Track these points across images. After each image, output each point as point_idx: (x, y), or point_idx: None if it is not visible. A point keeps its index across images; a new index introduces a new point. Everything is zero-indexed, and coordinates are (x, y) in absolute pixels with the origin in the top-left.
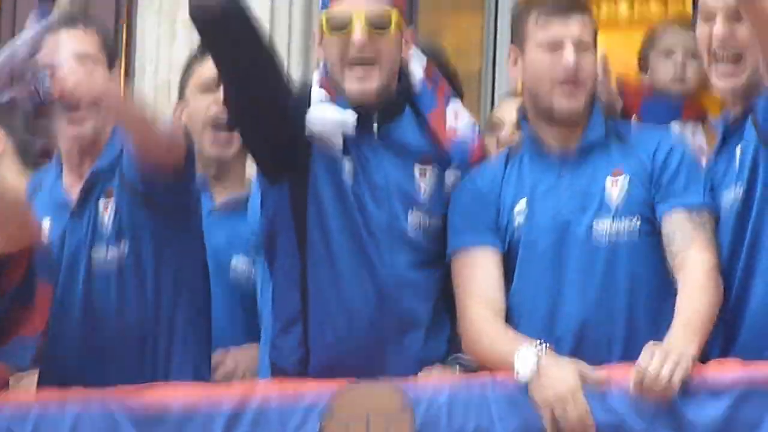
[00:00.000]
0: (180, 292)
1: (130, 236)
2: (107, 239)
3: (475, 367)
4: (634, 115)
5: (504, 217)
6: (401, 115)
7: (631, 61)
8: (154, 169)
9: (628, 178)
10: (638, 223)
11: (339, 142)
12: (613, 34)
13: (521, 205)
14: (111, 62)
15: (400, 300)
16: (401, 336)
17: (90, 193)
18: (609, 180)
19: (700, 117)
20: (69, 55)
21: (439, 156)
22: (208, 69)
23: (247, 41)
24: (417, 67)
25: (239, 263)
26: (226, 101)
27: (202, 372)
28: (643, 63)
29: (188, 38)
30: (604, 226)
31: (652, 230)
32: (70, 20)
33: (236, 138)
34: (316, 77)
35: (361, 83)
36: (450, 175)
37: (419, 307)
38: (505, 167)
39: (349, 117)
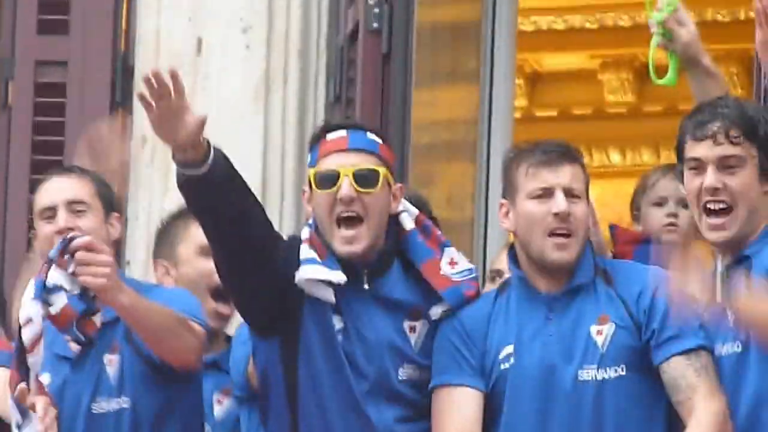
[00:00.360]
0: None
1: (132, 391)
2: (109, 392)
3: None
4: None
5: (489, 359)
6: (390, 269)
7: (623, 211)
8: (168, 360)
9: (613, 327)
10: (623, 371)
11: (331, 298)
12: (605, 184)
13: (508, 350)
14: (109, 209)
15: None
16: None
17: (92, 347)
18: (594, 328)
19: None
20: (61, 201)
21: (429, 308)
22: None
23: (231, 200)
24: (407, 220)
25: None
26: (215, 262)
27: None
28: (636, 211)
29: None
30: (589, 375)
31: (639, 376)
32: (64, 168)
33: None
34: (305, 234)
35: (349, 245)
36: (437, 311)
37: None
38: (493, 306)
39: (339, 277)
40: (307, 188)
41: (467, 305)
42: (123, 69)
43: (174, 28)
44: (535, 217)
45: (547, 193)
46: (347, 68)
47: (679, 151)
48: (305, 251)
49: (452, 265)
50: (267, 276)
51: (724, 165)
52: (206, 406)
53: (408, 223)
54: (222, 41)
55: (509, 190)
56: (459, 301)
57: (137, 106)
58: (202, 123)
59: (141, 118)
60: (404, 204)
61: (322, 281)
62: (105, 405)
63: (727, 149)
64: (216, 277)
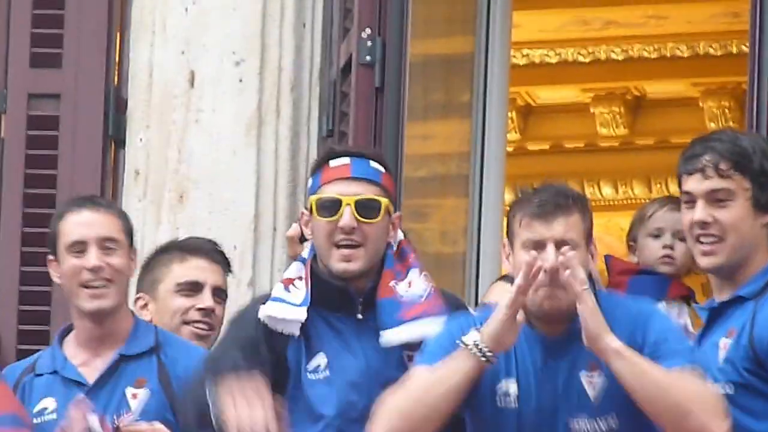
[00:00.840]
0: None
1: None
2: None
3: None
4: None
5: (486, 386)
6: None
7: (614, 244)
8: None
9: (603, 377)
10: (615, 421)
11: (295, 332)
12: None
13: (511, 386)
14: (131, 243)
15: None
16: None
17: (111, 377)
18: (585, 377)
19: (687, 297)
20: (93, 238)
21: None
22: (185, 273)
23: None
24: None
25: None
26: None
27: None
28: (632, 242)
29: (173, 221)
30: (580, 426)
31: (631, 422)
32: (90, 201)
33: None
34: (289, 272)
35: (346, 263)
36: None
37: None
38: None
39: (299, 315)
40: (306, 212)
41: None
42: (116, 102)
43: (166, 61)
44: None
45: (539, 245)
46: (340, 102)
47: (679, 184)
48: (276, 290)
49: (408, 285)
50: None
51: (714, 198)
52: None
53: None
54: (215, 74)
55: (509, 235)
56: (390, 317)
57: (129, 139)
58: None
59: (133, 151)
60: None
61: (283, 322)
62: None
63: (716, 183)
64: (190, 314)
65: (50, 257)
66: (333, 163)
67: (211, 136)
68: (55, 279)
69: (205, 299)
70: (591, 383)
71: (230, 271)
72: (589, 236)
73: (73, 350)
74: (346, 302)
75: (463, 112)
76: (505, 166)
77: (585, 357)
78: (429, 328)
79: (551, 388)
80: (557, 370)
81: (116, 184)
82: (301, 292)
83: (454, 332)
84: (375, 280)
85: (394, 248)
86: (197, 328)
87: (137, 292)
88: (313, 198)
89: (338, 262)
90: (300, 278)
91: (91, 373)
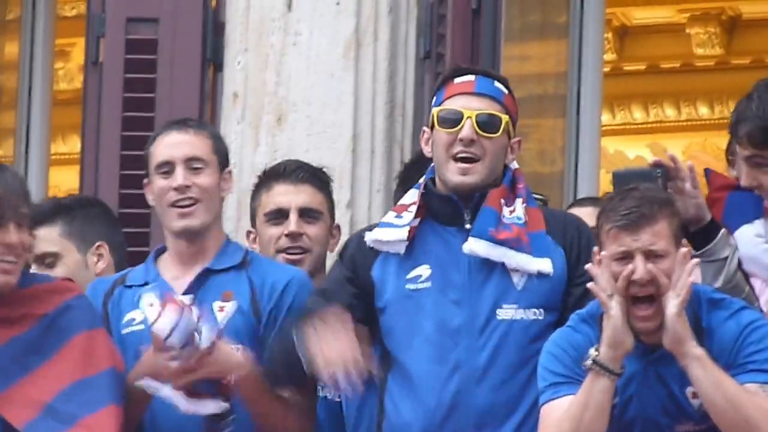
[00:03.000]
0: None
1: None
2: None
3: None
4: (718, 207)
5: None
6: None
7: (710, 162)
8: None
9: None
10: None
11: (400, 250)
12: (693, 137)
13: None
14: (224, 165)
15: (477, 396)
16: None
17: (197, 290)
18: (690, 391)
19: None
20: (180, 158)
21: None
22: (271, 201)
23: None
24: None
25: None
26: None
27: None
28: (731, 156)
29: (271, 144)
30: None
31: None
32: (180, 123)
33: (307, 258)
34: (406, 198)
35: (463, 176)
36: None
37: (498, 402)
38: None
39: (402, 235)
40: (427, 129)
41: (564, 329)
42: (214, 25)
43: None
44: (618, 282)
45: (627, 256)
46: (437, 24)
47: None
48: (387, 217)
49: (511, 212)
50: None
51: None
52: None
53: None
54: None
55: (599, 241)
56: (484, 228)
57: (227, 61)
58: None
59: (231, 74)
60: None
61: (386, 245)
62: None
63: None
64: (281, 242)
65: (145, 180)
66: (458, 79)
67: (309, 59)
68: (150, 201)
69: (291, 224)
70: (696, 396)
71: (326, 185)
72: (679, 237)
73: (165, 266)
74: (456, 215)
75: (559, 33)
76: (602, 87)
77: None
78: (509, 258)
79: (653, 396)
80: (660, 380)
81: (214, 108)
82: (410, 215)
83: (565, 354)
84: (481, 195)
85: (511, 174)
86: (288, 254)
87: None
88: (436, 110)
89: (455, 175)
90: (414, 203)
91: (180, 286)
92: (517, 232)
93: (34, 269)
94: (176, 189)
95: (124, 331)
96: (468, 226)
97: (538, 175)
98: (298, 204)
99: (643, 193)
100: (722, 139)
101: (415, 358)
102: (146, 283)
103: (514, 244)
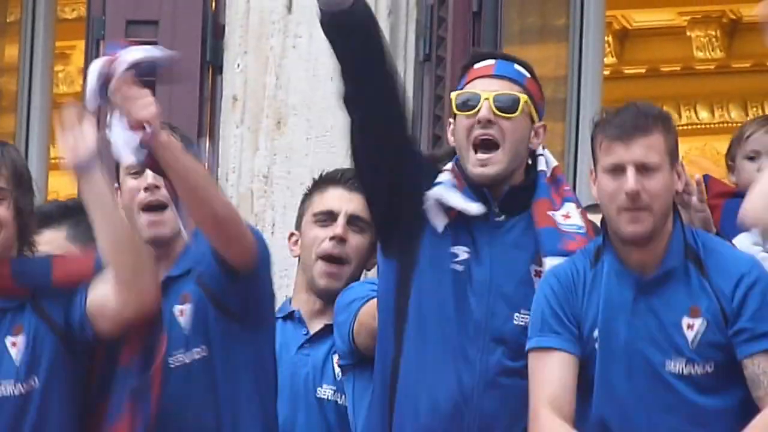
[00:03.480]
0: (250, 399)
1: (204, 340)
2: (183, 343)
3: None
4: (715, 215)
5: (585, 327)
6: (525, 212)
7: (710, 168)
8: (225, 254)
9: (705, 323)
10: (711, 368)
11: (440, 227)
12: (693, 141)
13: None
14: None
15: (483, 401)
16: None
17: (164, 299)
18: (685, 321)
19: None
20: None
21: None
22: (322, 203)
23: (372, 49)
24: (542, 163)
25: (326, 392)
26: (352, 130)
27: None
28: (731, 161)
29: (270, 149)
30: (677, 367)
31: (725, 372)
32: None
33: (344, 272)
34: (448, 166)
35: (483, 167)
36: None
37: (502, 411)
38: (591, 273)
39: (475, 209)
40: (451, 120)
41: (564, 261)
42: (213, 28)
43: None
44: (609, 193)
45: (619, 169)
46: (437, 26)
47: None
48: (445, 176)
49: (565, 218)
50: (401, 163)
51: None
52: (328, 369)
53: (541, 164)
54: (312, 0)
55: (593, 159)
56: (552, 245)
57: (227, 65)
58: None
59: (231, 77)
60: (547, 152)
61: (443, 208)
62: (181, 356)
63: None
64: (324, 245)
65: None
66: (478, 64)
67: (309, 62)
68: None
69: (338, 227)
70: (691, 328)
71: None
72: (674, 156)
73: None
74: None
75: (559, 36)
76: (601, 90)
77: (684, 300)
78: None
79: (644, 325)
80: (651, 307)
81: (214, 111)
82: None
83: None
84: (514, 186)
85: (548, 174)
86: (328, 262)
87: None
88: (454, 95)
89: (475, 167)
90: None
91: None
92: (581, 243)
93: None
94: (145, 189)
95: None
96: (497, 219)
97: None
98: (349, 210)
99: (638, 107)
100: (722, 144)
101: (430, 344)
102: None
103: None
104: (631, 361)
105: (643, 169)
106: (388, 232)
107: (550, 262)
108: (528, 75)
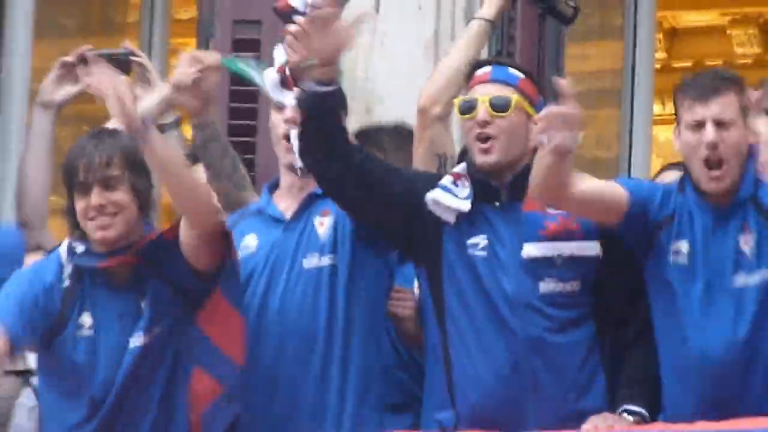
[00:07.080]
0: (366, 311)
1: (335, 249)
2: (319, 249)
3: (647, 417)
4: None
5: (663, 246)
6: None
7: None
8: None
9: (754, 238)
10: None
11: (450, 220)
12: None
13: (683, 246)
14: None
15: (536, 364)
16: (541, 394)
17: (304, 212)
18: (742, 239)
19: None
20: None
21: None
22: None
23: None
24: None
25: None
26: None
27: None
28: None
29: None
30: (741, 280)
31: None
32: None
33: None
34: (456, 168)
35: (483, 156)
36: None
37: (558, 369)
38: (682, 193)
39: (463, 206)
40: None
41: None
42: None
43: None
44: (690, 147)
45: (700, 125)
46: (508, 26)
47: None
48: (446, 180)
49: None
50: (384, 203)
51: None
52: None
53: None
54: (398, 1)
55: (676, 117)
56: (533, 232)
57: None
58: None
59: None
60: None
61: (444, 209)
62: (315, 261)
63: None
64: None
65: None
66: (478, 72)
67: (394, 60)
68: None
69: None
70: (746, 243)
71: None
72: (746, 113)
73: (278, 197)
74: (492, 194)
75: (616, 34)
76: (653, 81)
77: (741, 221)
78: (565, 246)
79: (718, 249)
80: (725, 234)
81: None
82: (466, 189)
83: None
84: (516, 174)
85: None
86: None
87: None
88: (457, 100)
89: (478, 156)
90: (466, 176)
91: (290, 213)
92: (563, 223)
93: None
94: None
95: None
96: (498, 204)
97: (597, 159)
98: None
99: (715, 71)
100: None
101: (473, 325)
102: (259, 211)
103: (565, 236)
104: (708, 284)
105: (720, 124)
106: (406, 245)
107: (527, 249)
108: (522, 76)
